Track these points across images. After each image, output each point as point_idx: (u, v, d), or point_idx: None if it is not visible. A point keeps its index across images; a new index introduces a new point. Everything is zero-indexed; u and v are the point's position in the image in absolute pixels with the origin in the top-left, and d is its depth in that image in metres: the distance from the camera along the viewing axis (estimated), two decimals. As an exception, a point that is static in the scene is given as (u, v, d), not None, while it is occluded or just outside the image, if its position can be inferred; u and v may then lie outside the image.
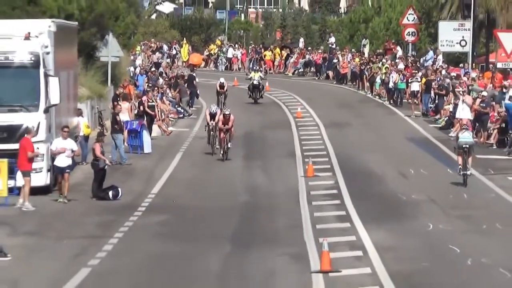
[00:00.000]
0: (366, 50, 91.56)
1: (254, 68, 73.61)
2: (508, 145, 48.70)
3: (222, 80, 64.67)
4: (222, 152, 45.25)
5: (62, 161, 35.30)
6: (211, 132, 46.96)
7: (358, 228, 30.79)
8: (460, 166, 39.56)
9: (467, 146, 39.81)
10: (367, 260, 26.56)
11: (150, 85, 63.00)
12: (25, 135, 34.89)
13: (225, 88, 63.58)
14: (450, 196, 37.11)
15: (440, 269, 25.38)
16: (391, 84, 69.48)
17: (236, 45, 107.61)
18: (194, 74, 70.53)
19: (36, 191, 35.73)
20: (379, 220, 31.78)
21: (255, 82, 67.78)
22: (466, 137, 40.30)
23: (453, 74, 65.28)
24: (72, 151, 35.84)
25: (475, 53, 74.29)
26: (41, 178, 36.23)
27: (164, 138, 53.46)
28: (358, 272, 25.16)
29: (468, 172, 39.53)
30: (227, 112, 45.98)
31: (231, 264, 26.65)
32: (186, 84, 66.95)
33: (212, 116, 47.07)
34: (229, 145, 45.48)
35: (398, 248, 27.94)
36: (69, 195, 35.44)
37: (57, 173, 35.61)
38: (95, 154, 37.53)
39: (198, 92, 67.95)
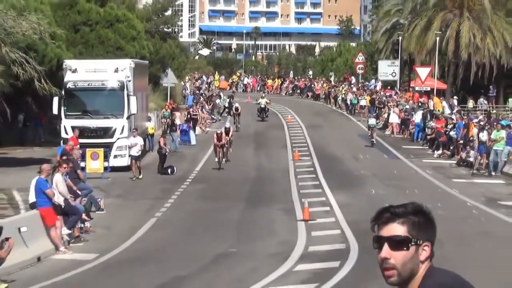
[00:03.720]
0: (332, 79, 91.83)
1: (262, 95, 71.34)
2: (422, 139, 48.76)
3: (237, 105, 60.23)
4: (218, 163, 37.68)
5: (134, 151, 35.20)
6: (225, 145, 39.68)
7: (327, 192, 30.78)
8: (369, 136, 46.89)
9: (372, 125, 47.48)
10: (332, 213, 26.55)
11: (195, 101, 63.27)
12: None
13: (239, 111, 58.59)
14: (385, 172, 37.12)
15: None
16: (348, 101, 69.66)
17: (249, 76, 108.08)
18: (233, 95, 70.47)
19: (121, 169, 35.76)
20: (340, 187, 31.76)
21: (262, 106, 63.31)
22: (372, 121, 48.79)
23: (388, 94, 65.49)
24: (141, 145, 35.75)
25: (401, 81, 74.37)
26: (124, 161, 36.27)
27: (203, 135, 53.43)
28: (327, 221, 25.15)
29: (374, 140, 46.44)
30: (219, 131, 38.61)
31: (245, 215, 26.66)
32: (229, 99, 66.72)
33: (226, 131, 39.86)
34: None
35: (352, 205, 27.93)
36: (142, 173, 35.42)
37: (131, 159, 35.48)
38: (160, 144, 37.55)
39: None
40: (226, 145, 38.93)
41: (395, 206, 3.58)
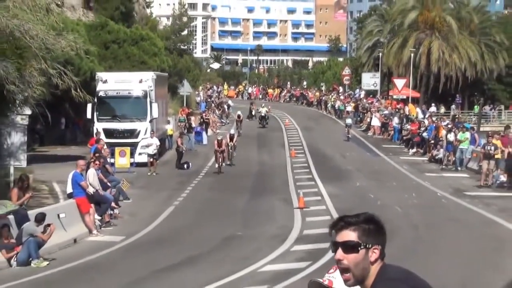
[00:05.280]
0: (323, 88, 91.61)
1: (262, 104, 69.44)
2: (399, 140, 48.66)
3: (239, 112, 57.19)
4: (218, 167, 34.71)
5: (150, 150, 34.93)
6: (230, 150, 37.27)
7: (319, 184, 30.70)
8: (346, 132, 49.01)
9: (349, 124, 50.07)
10: (323, 201, 26.47)
11: (207, 107, 63.22)
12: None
13: (241, 118, 55.91)
14: (367, 167, 37.01)
15: (363, 206, 25.14)
16: (336, 107, 69.42)
17: (253, 86, 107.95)
18: (253, 102, 69.11)
19: (145, 165, 35.62)
20: (330, 180, 31.66)
21: (262, 114, 60.63)
22: (349, 120, 51.60)
23: (370, 101, 65.33)
24: (156, 145, 35.41)
25: (381, 90, 74.24)
26: (144, 158, 36.05)
27: (214, 136, 53.20)
28: (319, 208, 25.07)
29: (350, 135, 48.73)
30: (219, 138, 35.98)
31: (250, 204, 26.59)
32: (250, 105, 65.64)
33: (231, 137, 38.02)
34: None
35: (340, 196, 27.86)
36: (162, 167, 35.27)
37: (148, 158, 35.14)
38: (178, 144, 37.42)
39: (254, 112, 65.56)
40: (230, 150, 37.19)
41: (349, 216, 3.59)
